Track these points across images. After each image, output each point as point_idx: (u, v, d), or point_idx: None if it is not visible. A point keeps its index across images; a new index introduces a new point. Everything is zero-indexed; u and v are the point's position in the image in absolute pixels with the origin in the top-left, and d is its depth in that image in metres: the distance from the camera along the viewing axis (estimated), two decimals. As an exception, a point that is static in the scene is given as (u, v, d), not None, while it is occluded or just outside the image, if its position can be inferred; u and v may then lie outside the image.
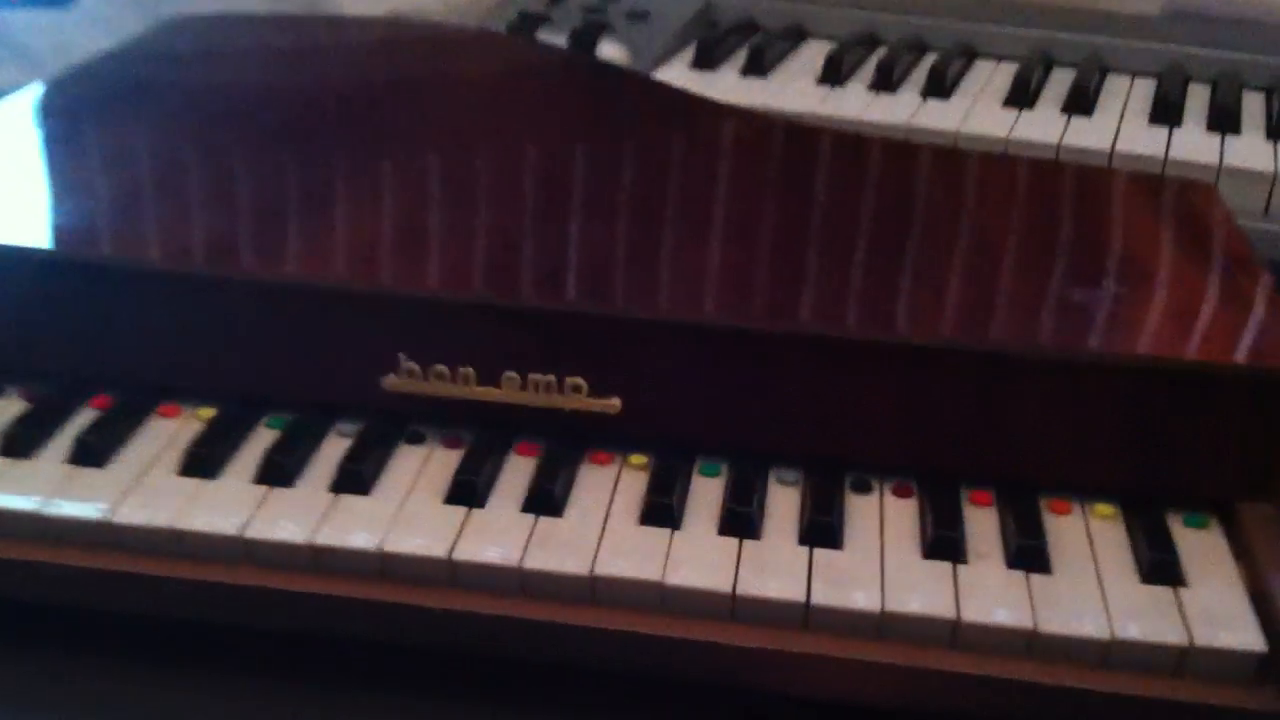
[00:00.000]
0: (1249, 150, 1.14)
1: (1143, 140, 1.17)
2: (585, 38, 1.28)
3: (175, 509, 0.72)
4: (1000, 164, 1.04)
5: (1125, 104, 1.25)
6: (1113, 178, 1.03)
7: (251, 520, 0.71)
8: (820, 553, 0.71)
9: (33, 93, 1.03)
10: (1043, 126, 1.19)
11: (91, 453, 0.76)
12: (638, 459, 0.78)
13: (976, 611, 0.68)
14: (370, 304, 0.78)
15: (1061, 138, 1.17)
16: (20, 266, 0.81)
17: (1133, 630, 0.67)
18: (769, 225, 0.90)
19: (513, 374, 0.77)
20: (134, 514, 0.72)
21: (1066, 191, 0.98)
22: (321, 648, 0.71)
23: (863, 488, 0.76)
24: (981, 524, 0.74)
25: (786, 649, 0.67)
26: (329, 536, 0.71)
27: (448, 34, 1.21)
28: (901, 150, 1.05)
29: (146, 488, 0.74)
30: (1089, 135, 1.17)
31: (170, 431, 0.79)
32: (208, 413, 0.80)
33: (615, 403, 0.77)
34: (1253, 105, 1.25)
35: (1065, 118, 1.21)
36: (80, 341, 0.81)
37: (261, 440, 0.78)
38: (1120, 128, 1.19)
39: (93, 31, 1.20)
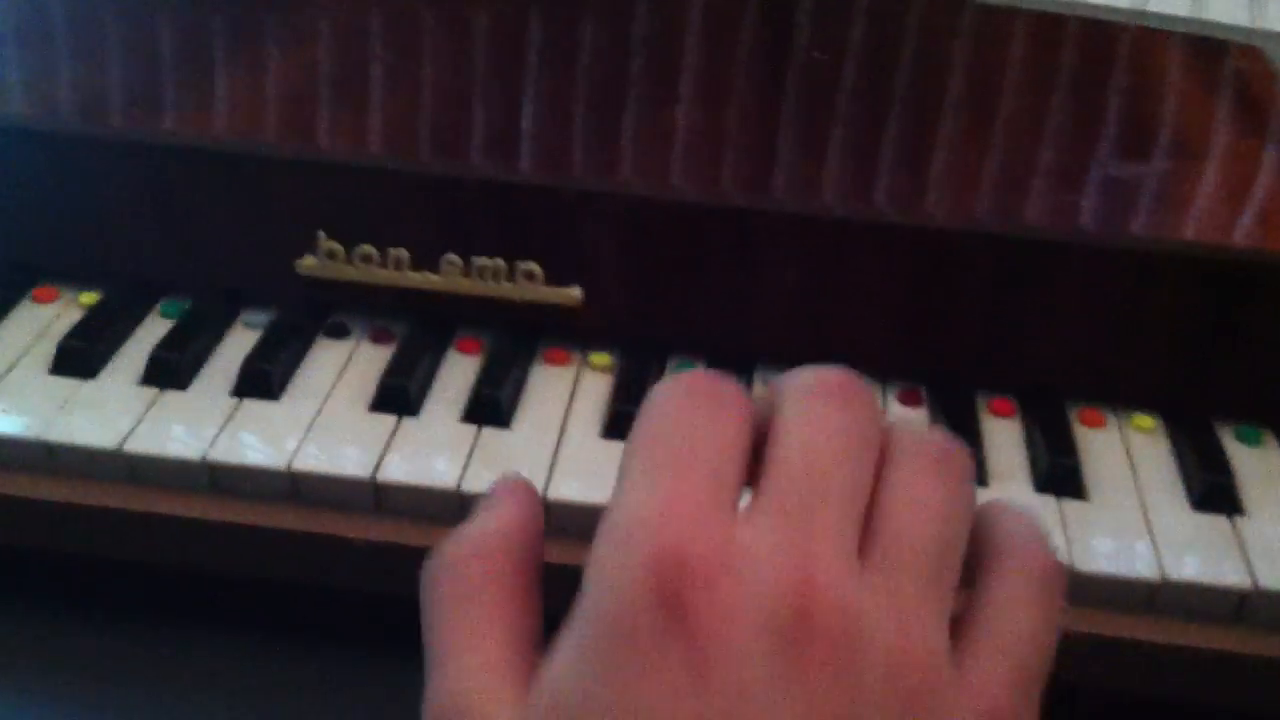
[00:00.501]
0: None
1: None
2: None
3: (43, 415, 0.60)
4: (1022, 21, 0.91)
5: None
6: (1149, 39, 0.90)
7: (135, 430, 0.59)
8: (816, 473, 0.60)
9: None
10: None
11: (-55, 346, 0.63)
12: (600, 359, 0.66)
13: (1002, 546, 0.57)
14: (284, 169, 0.65)
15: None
16: None
17: (1187, 569, 0.56)
18: (753, 84, 0.78)
19: (454, 257, 0.65)
20: (-8, 421, 0.60)
21: (1099, 53, 0.86)
22: (221, 585, 0.60)
23: (864, 395, 0.65)
24: (1002, 438, 0.63)
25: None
26: (228, 451, 0.59)
27: None
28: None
29: (10, 388, 0.62)
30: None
31: (44, 320, 0.67)
32: (90, 298, 0.68)
33: (575, 293, 0.65)
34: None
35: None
36: (-63, 211, 0.68)
37: (152, 332, 0.66)
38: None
39: None
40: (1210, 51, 0.87)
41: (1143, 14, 1.02)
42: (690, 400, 0.35)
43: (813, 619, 0.30)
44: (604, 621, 0.31)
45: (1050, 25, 0.90)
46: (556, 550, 0.57)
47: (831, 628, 0.30)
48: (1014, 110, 0.76)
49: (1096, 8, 1.02)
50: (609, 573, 0.31)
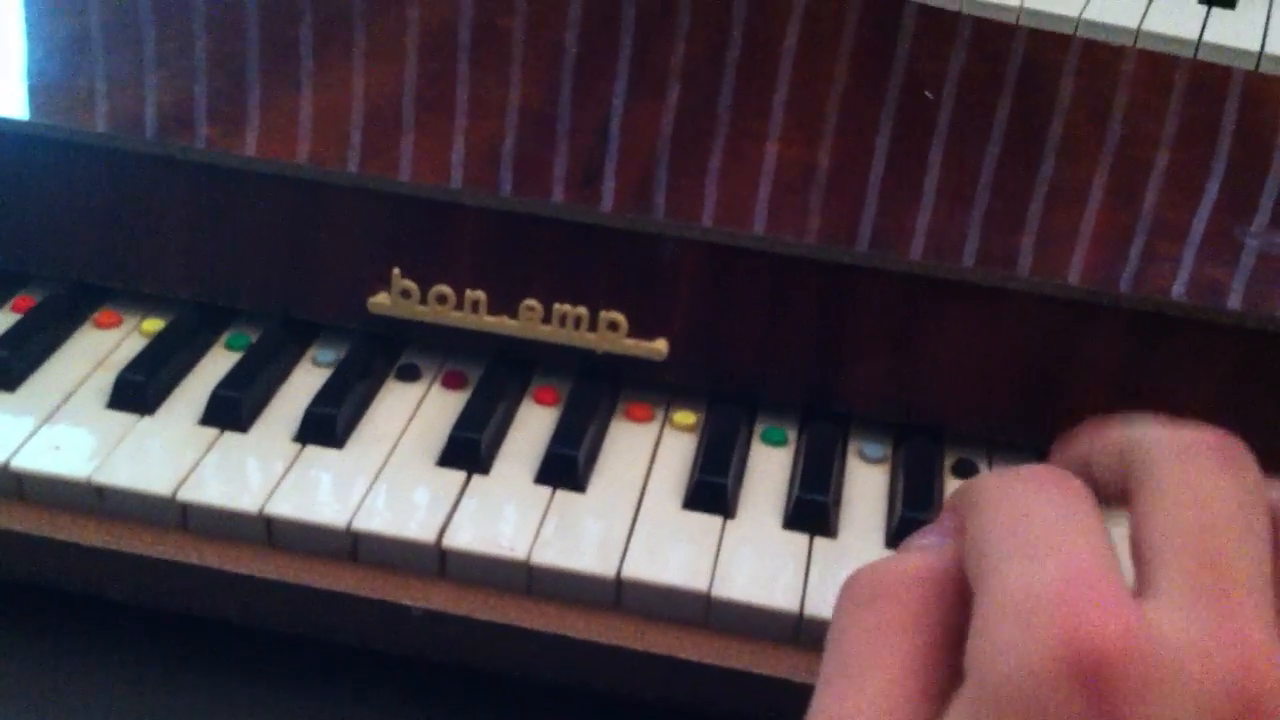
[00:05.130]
0: None
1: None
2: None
3: (95, 455, 0.57)
4: (1146, 62, 0.86)
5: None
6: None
7: (190, 476, 0.56)
8: (913, 561, 0.55)
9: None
10: (1179, 18, 1.00)
11: (1, 371, 0.61)
12: (684, 417, 0.62)
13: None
14: (359, 199, 0.62)
15: (1201, 33, 0.98)
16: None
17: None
18: (864, 120, 0.73)
19: (533, 303, 0.61)
20: (42, 459, 0.56)
21: (1225, 102, 0.81)
22: (275, 643, 0.56)
23: (968, 471, 0.61)
24: (1120, 531, 0.58)
25: (866, 691, 0.52)
26: (286, 504, 0.55)
27: None
28: (1014, 37, 0.87)
29: (64, 423, 0.59)
30: (1233, 31, 0.99)
31: (105, 347, 0.64)
32: (153, 325, 0.65)
33: (661, 346, 0.61)
34: None
35: (1205, 9, 1.02)
36: (2, 225, 0.65)
37: (217, 365, 0.63)
38: (1269, 24, 1.01)
39: None
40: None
41: (1267, 55, 0.96)
42: (1034, 485, 0.33)
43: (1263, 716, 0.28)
44: (1009, 705, 0.29)
45: (1186, 70, 0.84)
46: (626, 633, 0.53)
47: None
48: (1134, 163, 0.71)
49: (1213, 47, 0.97)
50: (1011, 654, 0.29)
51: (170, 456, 0.57)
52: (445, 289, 0.61)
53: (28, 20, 0.76)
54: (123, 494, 0.56)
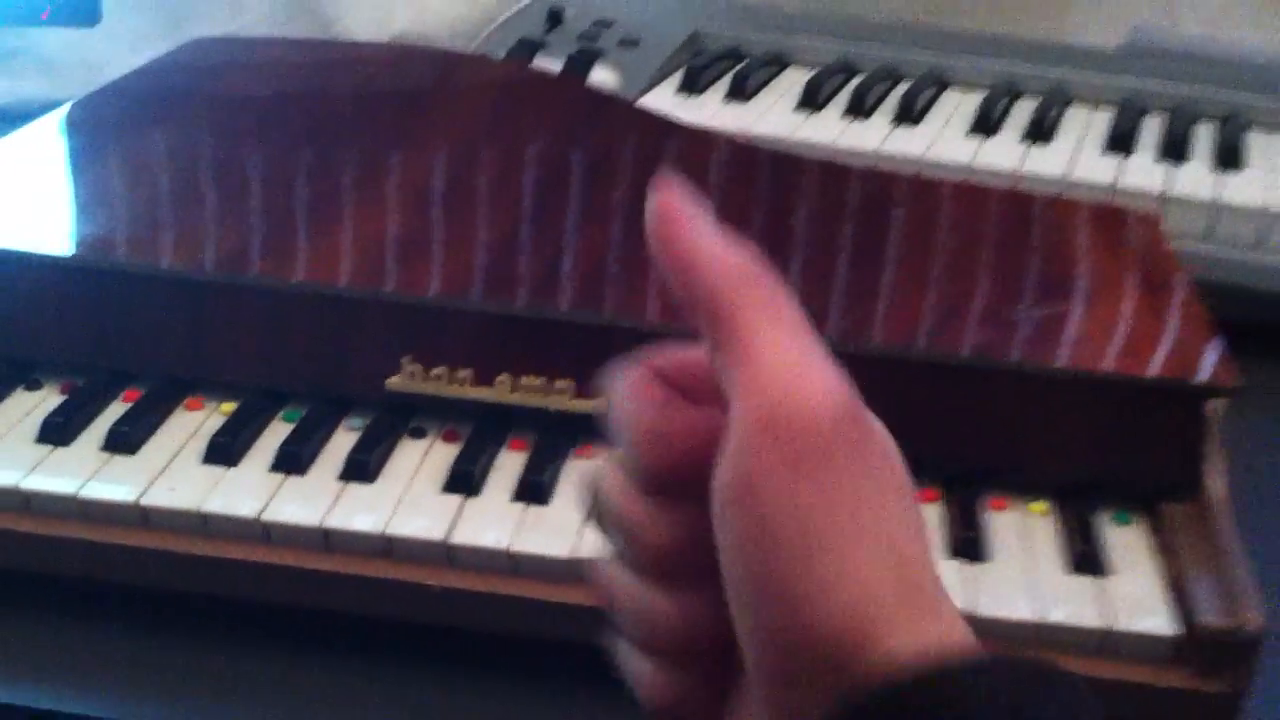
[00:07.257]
0: (1192, 179, 1.21)
1: (1096, 168, 1.24)
2: (579, 63, 1.36)
3: (199, 493, 0.80)
4: (965, 193, 1.12)
5: (1083, 134, 1.32)
6: (1066, 207, 1.11)
7: (268, 504, 0.79)
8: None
9: (66, 110, 1.11)
10: (1003, 154, 1.26)
11: (124, 441, 0.84)
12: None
13: (919, 595, 0.76)
14: (375, 309, 0.86)
15: (1021, 165, 1.24)
16: (58, 273, 0.89)
17: (1057, 614, 0.75)
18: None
19: (504, 376, 0.85)
20: (162, 497, 0.79)
21: (1026, 219, 1.06)
22: (327, 620, 0.79)
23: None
24: (926, 518, 0.82)
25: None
26: (337, 519, 0.78)
27: (449, 58, 1.29)
28: (874, 178, 1.13)
29: (173, 474, 0.82)
30: (1045, 163, 1.24)
31: (195, 423, 0.87)
32: (229, 406, 0.88)
33: (601, 403, 0.85)
34: (1204, 137, 1.31)
35: (1025, 146, 1.28)
36: (113, 339, 0.89)
37: (277, 432, 0.86)
38: (1076, 156, 1.26)
39: (118, 48, 1.28)
40: (1112, 215, 1.07)
41: (1070, 181, 1.22)
42: None
43: None
44: None
45: (995, 197, 1.10)
46: (583, 595, 0.76)
47: None
48: (948, 264, 0.96)
49: (1029, 177, 1.22)
50: None
51: (252, 492, 0.80)
52: (441, 369, 0.85)
53: (102, 175, 1.01)
54: (220, 518, 0.79)
